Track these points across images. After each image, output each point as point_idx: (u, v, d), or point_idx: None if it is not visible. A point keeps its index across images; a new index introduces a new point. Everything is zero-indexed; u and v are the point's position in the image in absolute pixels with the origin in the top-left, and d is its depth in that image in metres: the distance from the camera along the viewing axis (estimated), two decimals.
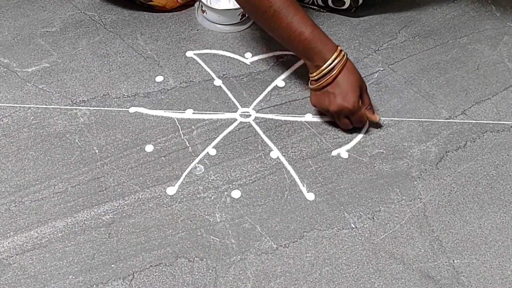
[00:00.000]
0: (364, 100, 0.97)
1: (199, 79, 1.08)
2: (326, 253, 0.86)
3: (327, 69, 0.93)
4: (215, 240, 0.87)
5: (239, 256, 0.85)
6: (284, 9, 0.92)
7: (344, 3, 1.18)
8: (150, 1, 1.16)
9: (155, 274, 0.83)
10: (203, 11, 1.17)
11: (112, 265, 0.83)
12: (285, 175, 0.95)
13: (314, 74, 0.94)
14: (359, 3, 1.19)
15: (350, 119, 0.97)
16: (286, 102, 1.05)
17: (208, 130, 1.00)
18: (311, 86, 0.97)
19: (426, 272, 0.84)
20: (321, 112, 1.02)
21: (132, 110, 1.02)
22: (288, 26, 0.93)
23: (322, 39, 0.94)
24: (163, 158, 0.96)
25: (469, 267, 0.85)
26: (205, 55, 1.13)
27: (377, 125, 1.01)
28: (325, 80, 0.93)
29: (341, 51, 0.94)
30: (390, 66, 1.12)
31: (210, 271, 0.83)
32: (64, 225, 0.87)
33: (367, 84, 1.04)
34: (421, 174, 0.95)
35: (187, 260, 0.84)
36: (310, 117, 1.03)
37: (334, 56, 0.93)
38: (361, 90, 0.96)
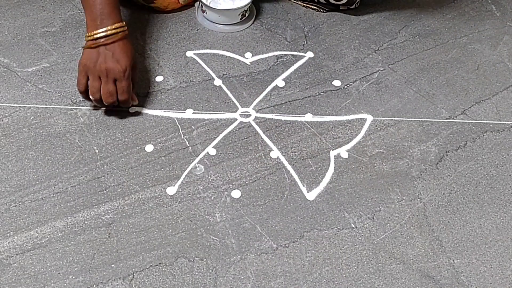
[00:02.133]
0: (133, 75, 0.99)
1: (199, 79, 1.08)
2: (326, 253, 0.86)
3: (110, 31, 0.94)
4: (215, 240, 0.87)
5: (239, 256, 0.85)
6: None
7: None
8: (152, 2, 1.16)
9: (155, 274, 0.83)
10: (203, 11, 1.17)
11: (112, 265, 0.83)
12: (285, 175, 0.95)
13: (95, 32, 0.94)
14: (358, 0, 1.19)
15: (117, 86, 0.95)
16: (286, 102, 1.05)
17: (208, 130, 1.00)
18: (86, 45, 0.96)
19: (426, 272, 0.84)
20: (321, 112, 1.02)
21: (132, 110, 1.02)
22: None
23: (116, 3, 0.96)
24: (163, 158, 0.96)
25: (469, 267, 0.85)
26: (205, 55, 1.13)
27: (129, 107, 1.01)
28: (105, 40, 0.94)
29: (125, 25, 0.97)
30: (390, 66, 1.12)
31: (210, 271, 0.83)
32: (64, 225, 0.87)
33: (367, 84, 1.04)
34: (421, 174, 0.95)
35: (187, 260, 0.84)
36: (310, 117, 1.03)
37: (119, 25, 0.95)
38: (133, 63, 0.97)
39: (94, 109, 1.02)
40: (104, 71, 0.94)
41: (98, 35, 0.94)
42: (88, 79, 0.96)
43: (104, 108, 1.02)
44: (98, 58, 0.94)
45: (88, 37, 0.95)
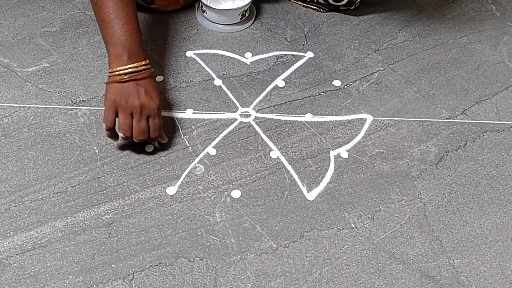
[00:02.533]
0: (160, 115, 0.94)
1: (199, 79, 1.08)
2: (326, 253, 0.86)
3: (142, 67, 0.91)
4: (215, 240, 0.87)
5: (239, 256, 0.85)
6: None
7: None
8: (152, 4, 1.16)
9: (155, 274, 0.83)
10: (203, 11, 1.17)
11: (112, 265, 0.83)
12: (285, 175, 0.95)
13: (127, 66, 0.90)
14: (358, 0, 1.19)
15: (150, 123, 0.91)
16: (286, 102, 1.05)
17: (208, 130, 1.00)
18: (113, 79, 0.90)
19: (426, 272, 0.84)
20: (321, 112, 1.02)
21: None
22: (118, 14, 0.91)
23: (142, 41, 0.93)
24: (163, 158, 0.96)
25: (469, 267, 0.85)
26: (205, 55, 1.13)
27: (160, 145, 0.96)
28: (136, 75, 0.90)
29: (149, 64, 0.93)
30: (390, 66, 1.12)
31: (210, 271, 0.83)
32: (64, 225, 0.87)
33: (367, 84, 1.04)
34: (421, 174, 0.95)
35: (187, 260, 0.84)
36: (310, 117, 1.03)
37: (148, 62, 0.92)
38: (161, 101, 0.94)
39: (94, 109, 1.02)
40: (138, 108, 0.89)
41: (127, 71, 0.89)
42: (117, 115, 0.90)
43: (104, 108, 1.02)
44: (130, 94, 0.89)
45: (113, 72, 0.90)
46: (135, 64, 0.90)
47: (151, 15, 1.18)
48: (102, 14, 0.92)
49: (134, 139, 0.92)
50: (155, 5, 1.17)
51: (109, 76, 0.91)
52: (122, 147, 0.96)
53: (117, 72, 0.90)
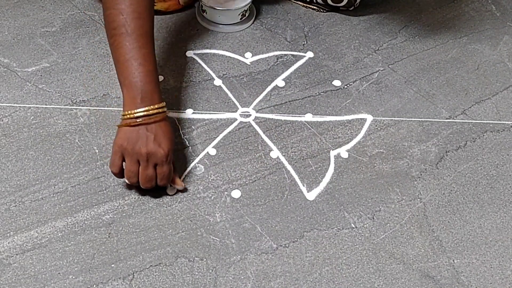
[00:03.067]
0: (172, 160, 0.89)
1: (199, 79, 1.08)
2: (326, 253, 0.86)
3: (153, 110, 0.86)
4: (215, 240, 0.87)
5: (239, 256, 0.85)
6: (135, 35, 0.86)
7: (342, 0, 1.18)
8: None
9: (155, 274, 0.83)
10: (203, 11, 1.17)
11: (112, 265, 0.83)
12: (285, 175, 0.95)
13: (137, 110, 0.85)
14: (357, 1, 1.19)
15: (157, 171, 0.86)
16: (286, 102, 1.05)
17: (208, 130, 1.00)
18: (124, 122, 0.86)
19: (426, 272, 0.84)
20: (321, 112, 1.03)
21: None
22: (133, 50, 0.86)
23: (157, 82, 0.88)
24: None
25: (469, 267, 0.85)
26: (205, 55, 1.13)
27: (182, 190, 0.92)
28: (145, 120, 0.85)
29: (165, 106, 0.88)
30: (390, 66, 1.12)
31: (210, 271, 0.83)
32: (64, 225, 0.87)
33: (367, 84, 1.04)
34: (421, 174, 0.95)
35: (187, 260, 0.84)
36: (310, 117, 1.03)
37: (162, 105, 0.87)
38: (172, 147, 0.88)
39: (94, 109, 1.02)
40: (144, 155, 0.85)
41: (138, 114, 0.85)
42: (124, 160, 0.87)
43: (104, 108, 1.02)
44: (138, 140, 0.85)
45: (125, 115, 0.86)
46: (146, 108, 0.85)
47: None
48: (118, 55, 0.88)
49: (141, 186, 0.88)
50: (155, 7, 1.16)
51: (122, 119, 0.87)
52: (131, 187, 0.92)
53: (128, 116, 0.86)
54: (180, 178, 0.91)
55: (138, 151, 0.85)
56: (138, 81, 0.86)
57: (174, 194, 0.91)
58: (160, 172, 0.86)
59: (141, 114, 0.85)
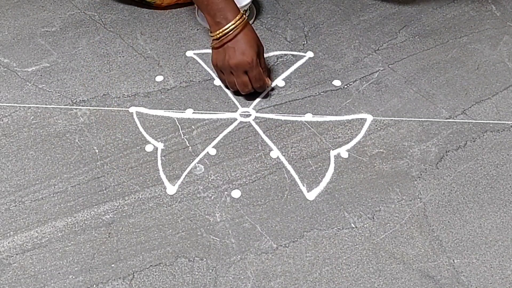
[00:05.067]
0: (261, 61, 1.01)
1: (199, 78, 1.08)
2: (326, 253, 0.86)
3: (229, 28, 0.97)
4: (215, 240, 0.87)
5: (239, 256, 0.85)
6: None
7: None
8: None
9: (155, 274, 0.83)
10: None
11: (112, 265, 0.83)
12: (285, 175, 0.95)
13: (216, 32, 0.98)
14: None
15: (249, 75, 0.99)
16: (286, 102, 1.05)
17: (208, 130, 1.00)
18: (212, 44, 1.01)
19: (426, 272, 0.84)
20: (321, 112, 1.03)
21: (132, 109, 1.02)
22: None
23: (228, 0, 0.99)
24: (163, 158, 0.96)
25: (469, 267, 0.85)
26: (205, 54, 1.13)
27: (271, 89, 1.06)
28: (227, 37, 0.97)
29: (242, 15, 0.99)
30: (390, 66, 1.12)
31: (210, 270, 0.83)
32: (64, 225, 0.87)
33: (367, 84, 1.04)
34: (421, 174, 0.95)
35: (187, 259, 0.84)
36: (310, 117, 1.03)
37: (237, 18, 0.97)
38: (259, 50, 1.00)
39: (94, 109, 1.02)
40: (233, 67, 0.98)
41: (217, 36, 0.98)
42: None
43: (104, 108, 1.02)
44: (225, 56, 0.98)
45: (212, 37, 1.00)
46: (222, 29, 0.97)
47: (151, 15, 1.18)
48: None
49: (242, 92, 1.02)
50: None
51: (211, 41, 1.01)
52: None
53: (213, 38, 0.99)
54: (269, 79, 1.04)
55: (227, 65, 0.99)
56: (212, 3, 0.98)
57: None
58: (251, 76, 0.99)
59: (220, 34, 0.98)
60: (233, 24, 0.97)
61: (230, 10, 0.98)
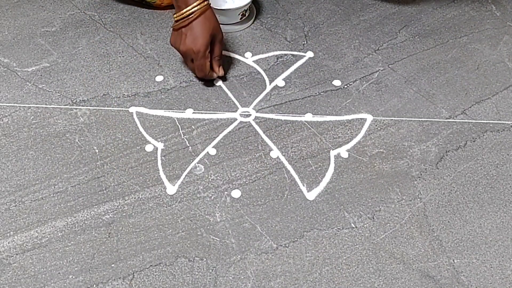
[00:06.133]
0: (214, 49, 1.02)
1: None
2: (326, 253, 0.86)
3: (187, 12, 0.98)
4: (215, 240, 0.87)
5: (239, 256, 0.85)
6: None
7: None
8: None
9: (155, 273, 0.83)
10: None
11: (112, 265, 0.83)
12: (285, 175, 0.95)
13: (176, 15, 0.99)
14: None
15: (194, 64, 1.02)
16: (286, 102, 1.05)
17: (208, 130, 1.00)
18: (172, 25, 1.02)
19: (426, 272, 0.84)
20: (321, 112, 1.03)
21: (132, 109, 1.02)
22: None
23: None
24: (163, 158, 0.96)
25: (469, 267, 0.85)
26: None
27: (221, 78, 1.07)
28: (182, 22, 0.99)
29: (204, 0, 0.99)
30: (390, 66, 1.12)
31: (210, 270, 0.83)
32: (64, 225, 0.87)
33: (367, 84, 1.04)
34: (421, 174, 0.95)
35: (187, 259, 0.84)
36: (310, 117, 1.03)
37: (196, 3, 0.98)
38: (213, 39, 1.01)
39: (94, 109, 1.02)
40: (182, 53, 1.02)
41: (177, 18, 0.99)
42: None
43: (104, 108, 1.02)
44: (179, 40, 1.01)
45: (173, 18, 1.01)
46: (180, 12, 0.98)
47: (151, 15, 1.18)
48: None
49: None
50: None
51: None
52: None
53: (174, 19, 1.00)
54: (220, 69, 1.05)
55: (178, 50, 1.02)
56: None
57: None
58: (195, 65, 1.02)
59: (177, 18, 0.99)
60: (191, 9, 0.97)
61: None
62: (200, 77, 1.05)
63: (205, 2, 0.99)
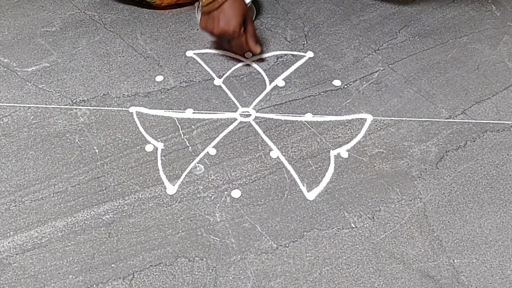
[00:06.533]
0: (248, 28, 1.06)
1: (199, 78, 1.08)
2: (326, 253, 0.86)
3: None
4: (215, 240, 0.87)
5: (239, 256, 0.85)
6: None
7: None
8: None
9: (155, 273, 0.83)
10: None
11: (112, 265, 0.83)
12: (285, 175, 0.95)
13: (204, 1, 1.02)
14: None
15: (231, 44, 1.07)
16: (286, 102, 1.05)
17: (208, 130, 1.00)
18: (202, 10, 1.05)
19: (426, 272, 0.84)
20: (321, 112, 1.03)
21: (132, 109, 1.02)
22: None
23: None
24: (163, 158, 0.96)
25: (469, 267, 0.85)
26: (205, 54, 1.13)
27: (259, 54, 1.11)
28: (212, 5, 1.02)
29: None
30: (390, 66, 1.12)
31: (210, 270, 0.83)
32: (64, 225, 0.87)
33: (367, 84, 1.04)
34: (421, 174, 0.95)
35: (187, 259, 0.84)
36: (310, 117, 1.03)
37: None
38: (245, 18, 1.05)
39: (94, 109, 1.02)
40: (217, 36, 1.05)
41: (206, 2, 1.02)
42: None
43: (104, 108, 1.02)
44: (212, 23, 1.03)
45: (202, 3, 1.04)
46: None
47: (151, 15, 1.19)
48: None
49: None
50: None
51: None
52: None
53: (202, 5, 1.03)
54: (258, 46, 1.09)
55: (212, 33, 1.05)
56: None
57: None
58: (233, 45, 1.08)
59: (207, 2, 1.02)
60: None
61: None
62: (239, 54, 1.10)
63: None
